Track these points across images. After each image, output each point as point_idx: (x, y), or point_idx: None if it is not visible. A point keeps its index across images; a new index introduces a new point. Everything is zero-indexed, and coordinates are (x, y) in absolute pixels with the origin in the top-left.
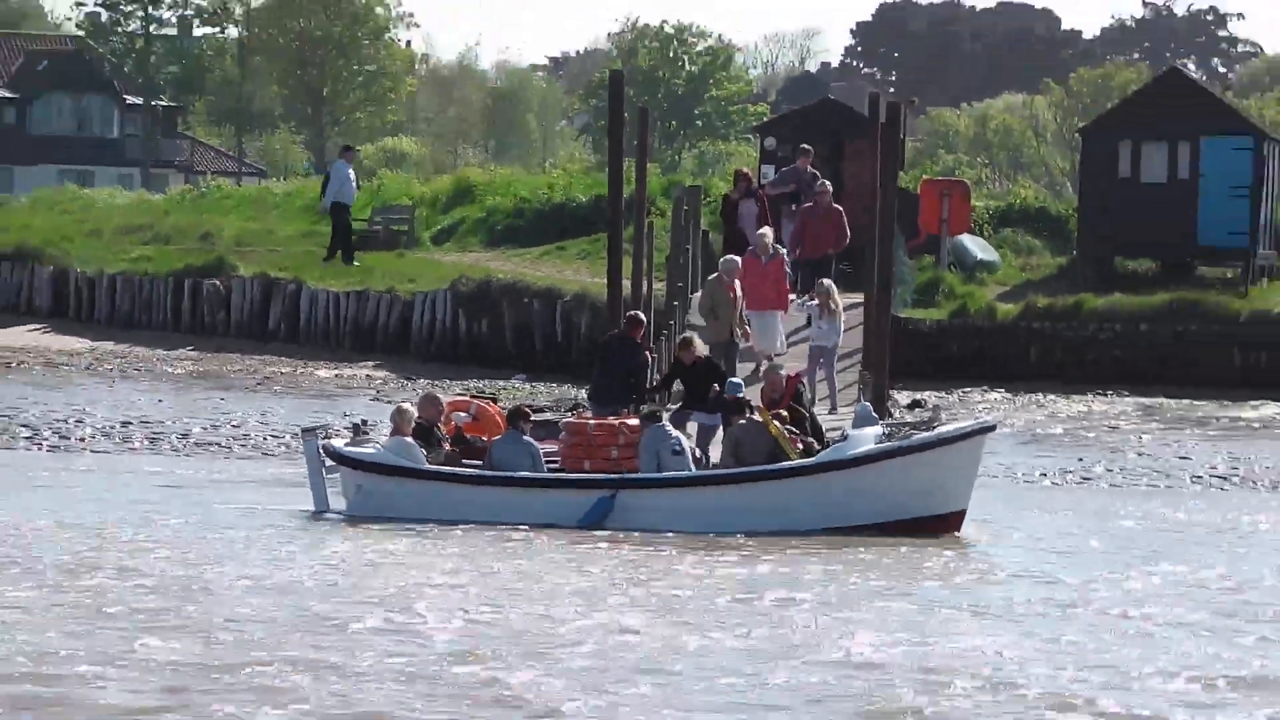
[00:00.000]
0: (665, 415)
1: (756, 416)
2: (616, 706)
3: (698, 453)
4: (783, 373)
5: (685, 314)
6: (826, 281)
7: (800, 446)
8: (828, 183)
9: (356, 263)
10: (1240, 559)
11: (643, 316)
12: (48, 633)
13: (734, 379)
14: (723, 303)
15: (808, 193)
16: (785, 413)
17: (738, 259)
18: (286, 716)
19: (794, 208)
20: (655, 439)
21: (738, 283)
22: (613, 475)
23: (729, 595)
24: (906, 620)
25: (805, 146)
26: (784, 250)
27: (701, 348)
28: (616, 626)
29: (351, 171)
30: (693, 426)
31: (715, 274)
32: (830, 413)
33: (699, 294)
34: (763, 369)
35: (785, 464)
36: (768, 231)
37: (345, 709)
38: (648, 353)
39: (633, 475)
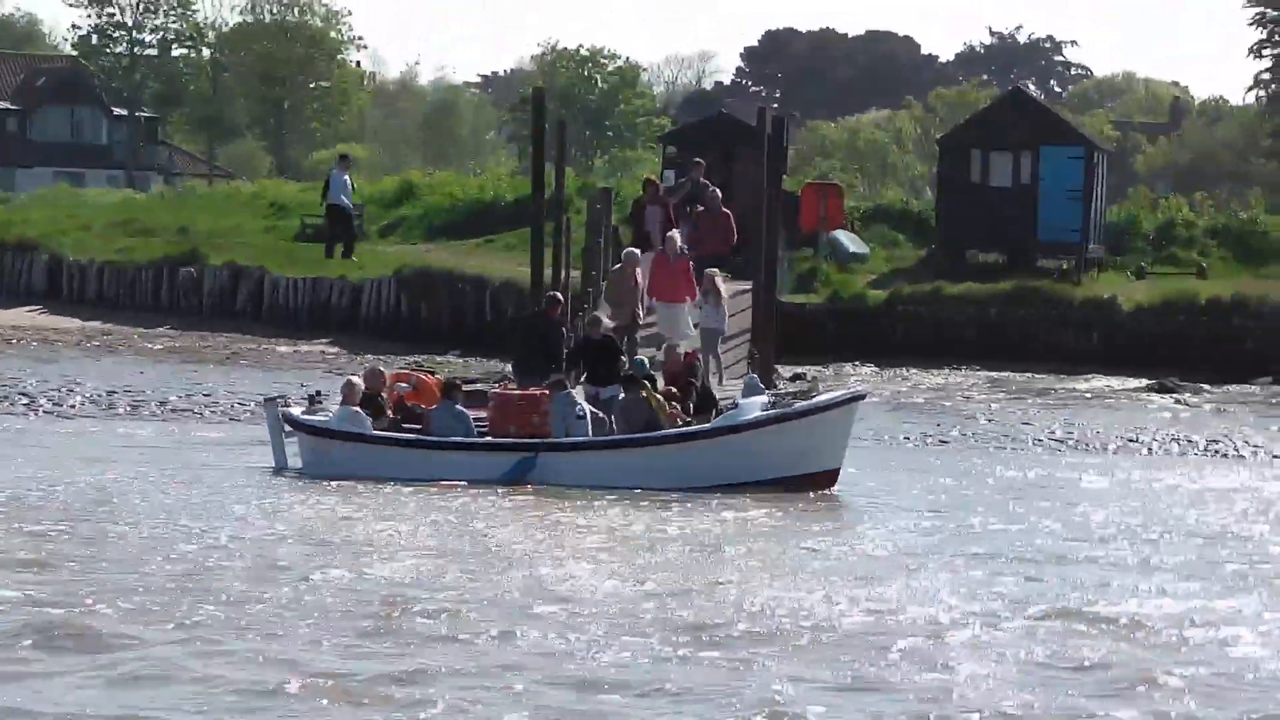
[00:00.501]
0: (570, 384)
1: (642, 393)
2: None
3: (600, 417)
4: (681, 350)
5: (598, 298)
6: (712, 270)
7: (679, 421)
8: (717, 190)
9: (355, 257)
10: (1050, 509)
11: (560, 297)
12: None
13: (639, 357)
14: (625, 290)
15: (701, 199)
16: (674, 389)
17: (638, 251)
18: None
19: (688, 210)
20: (561, 404)
21: (639, 272)
22: (534, 440)
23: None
24: (791, 562)
25: (698, 160)
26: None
27: (607, 326)
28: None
29: (347, 177)
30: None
31: (619, 265)
32: (719, 385)
33: (605, 282)
34: (664, 349)
35: (685, 429)
36: (676, 234)
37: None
38: (563, 329)
39: (552, 440)
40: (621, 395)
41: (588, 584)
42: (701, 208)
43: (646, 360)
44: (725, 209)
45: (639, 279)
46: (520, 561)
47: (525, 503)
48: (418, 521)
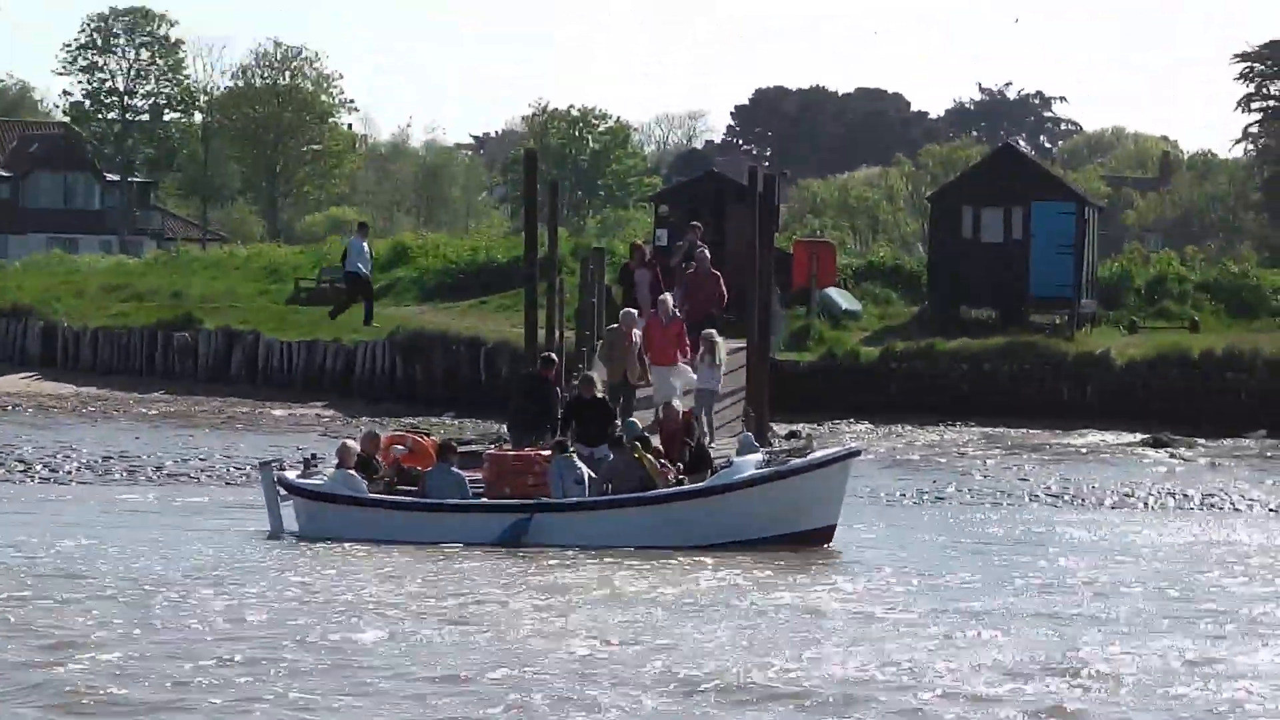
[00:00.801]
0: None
1: (634, 454)
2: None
3: (594, 477)
4: (677, 405)
5: (593, 357)
6: (710, 331)
7: (670, 477)
8: (706, 251)
9: (376, 324)
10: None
11: (554, 357)
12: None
13: (632, 419)
14: (619, 350)
15: (690, 259)
16: (661, 448)
17: (635, 311)
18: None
19: (684, 267)
20: (561, 468)
21: (636, 332)
22: (529, 501)
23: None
24: (789, 622)
25: (695, 224)
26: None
27: (600, 386)
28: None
29: (365, 244)
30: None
31: (615, 325)
32: (709, 444)
33: (601, 341)
34: (661, 409)
35: (680, 488)
36: (669, 297)
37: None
38: (558, 389)
39: (546, 500)
40: (611, 457)
41: (585, 645)
42: (691, 270)
43: (639, 423)
44: (714, 270)
45: (635, 338)
46: (523, 626)
47: (522, 565)
48: (410, 584)
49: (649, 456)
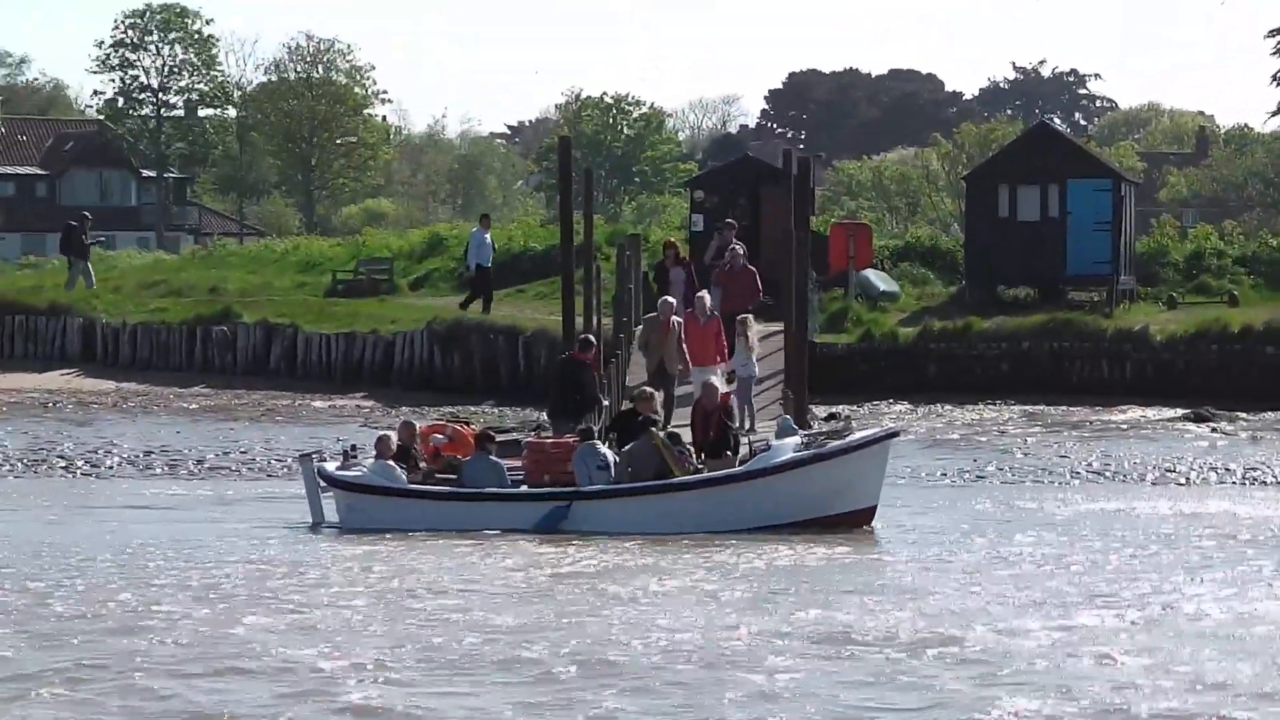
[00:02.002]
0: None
1: (652, 440)
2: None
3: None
4: (717, 383)
5: (630, 345)
6: (745, 316)
7: (687, 465)
8: (737, 248)
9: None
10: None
11: (592, 340)
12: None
13: (674, 432)
14: (657, 338)
15: (717, 260)
16: (693, 431)
17: (672, 300)
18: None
19: (720, 266)
20: (584, 455)
21: (673, 319)
22: (567, 489)
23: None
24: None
25: (729, 221)
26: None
27: (658, 409)
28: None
29: (488, 236)
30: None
31: (653, 314)
32: (749, 431)
33: (639, 329)
34: (701, 387)
35: (720, 473)
36: (705, 295)
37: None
38: (596, 373)
39: (587, 488)
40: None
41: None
42: (726, 265)
43: (680, 435)
44: (750, 266)
45: (673, 327)
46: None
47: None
48: (455, 570)
49: (666, 443)
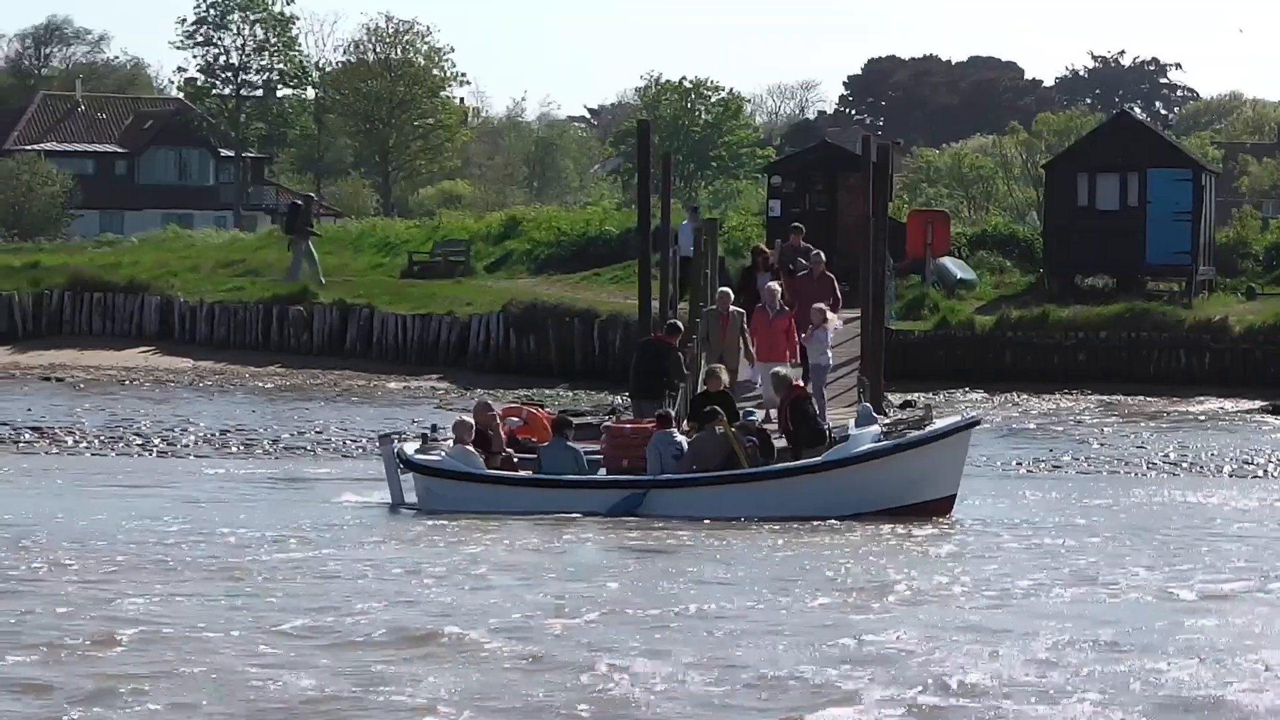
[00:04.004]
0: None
1: (719, 429)
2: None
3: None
4: (784, 371)
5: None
6: (819, 305)
7: (750, 454)
8: (820, 253)
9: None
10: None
11: (680, 325)
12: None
13: (751, 410)
14: (715, 331)
15: (798, 265)
16: (749, 423)
17: (729, 291)
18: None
19: (790, 269)
20: (659, 442)
21: (733, 310)
22: (643, 477)
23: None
24: (916, 593)
25: (797, 225)
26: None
27: (725, 380)
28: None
29: (688, 226)
30: None
31: (711, 307)
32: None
33: (699, 321)
34: (771, 377)
35: (798, 463)
36: (776, 287)
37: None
38: (680, 355)
39: (663, 476)
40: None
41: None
42: (803, 272)
43: (756, 413)
44: (828, 273)
45: (733, 319)
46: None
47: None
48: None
49: (735, 434)
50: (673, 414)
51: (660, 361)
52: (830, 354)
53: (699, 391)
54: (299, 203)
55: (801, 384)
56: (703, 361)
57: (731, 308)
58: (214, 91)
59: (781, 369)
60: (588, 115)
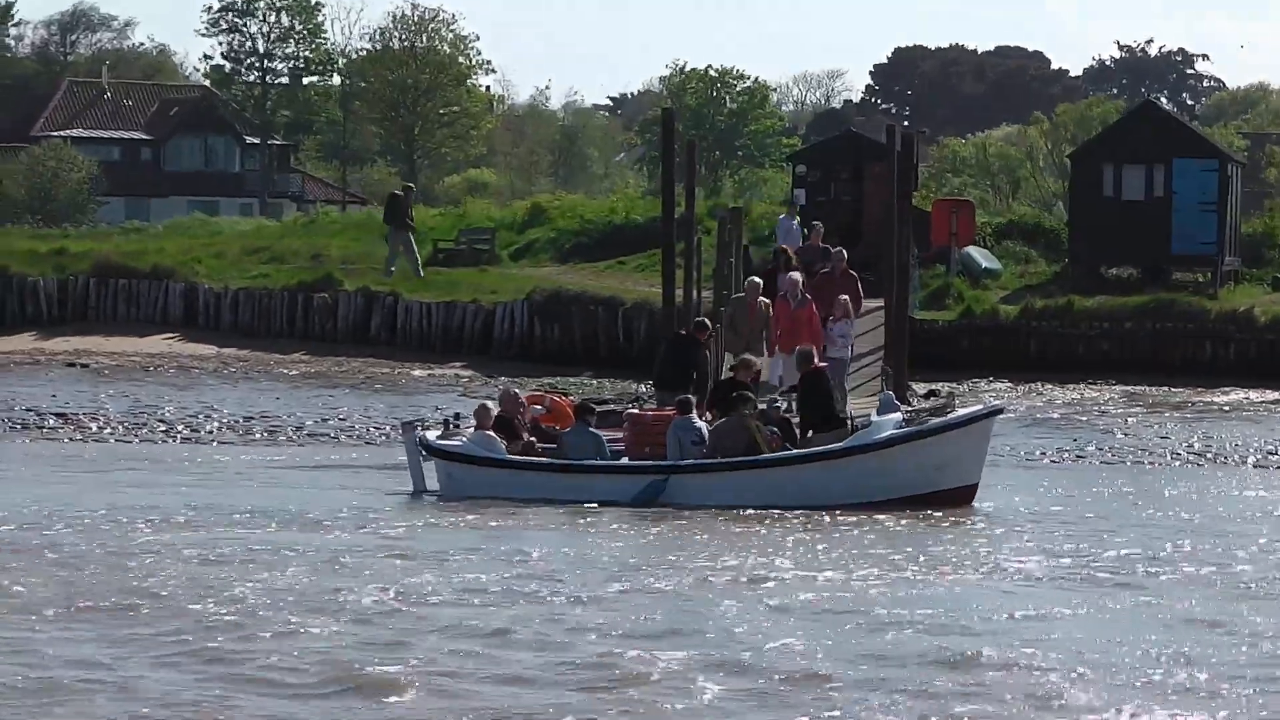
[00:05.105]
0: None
1: (749, 412)
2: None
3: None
4: (811, 350)
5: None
6: (843, 298)
7: (775, 446)
8: (843, 250)
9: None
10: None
11: (709, 324)
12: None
13: (776, 399)
14: (742, 319)
15: (820, 263)
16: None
17: (759, 280)
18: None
19: (811, 273)
20: (679, 429)
21: (760, 300)
22: (665, 463)
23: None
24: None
25: (816, 224)
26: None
27: (756, 372)
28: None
29: (795, 222)
30: None
31: (739, 294)
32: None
33: (725, 308)
34: (798, 355)
35: (820, 449)
36: (798, 277)
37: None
38: (707, 353)
39: (686, 462)
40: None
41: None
42: (825, 269)
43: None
44: (851, 270)
45: (760, 309)
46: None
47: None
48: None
49: (758, 424)
50: (693, 400)
51: (688, 355)
52: (850, 349)
53: (724, 377)
54: (398, 193)
55: (822, 365)
56: (726, 354)
57: (762, 300)
58: (240, 79)
59: (805, 346)
60: (611, 104)
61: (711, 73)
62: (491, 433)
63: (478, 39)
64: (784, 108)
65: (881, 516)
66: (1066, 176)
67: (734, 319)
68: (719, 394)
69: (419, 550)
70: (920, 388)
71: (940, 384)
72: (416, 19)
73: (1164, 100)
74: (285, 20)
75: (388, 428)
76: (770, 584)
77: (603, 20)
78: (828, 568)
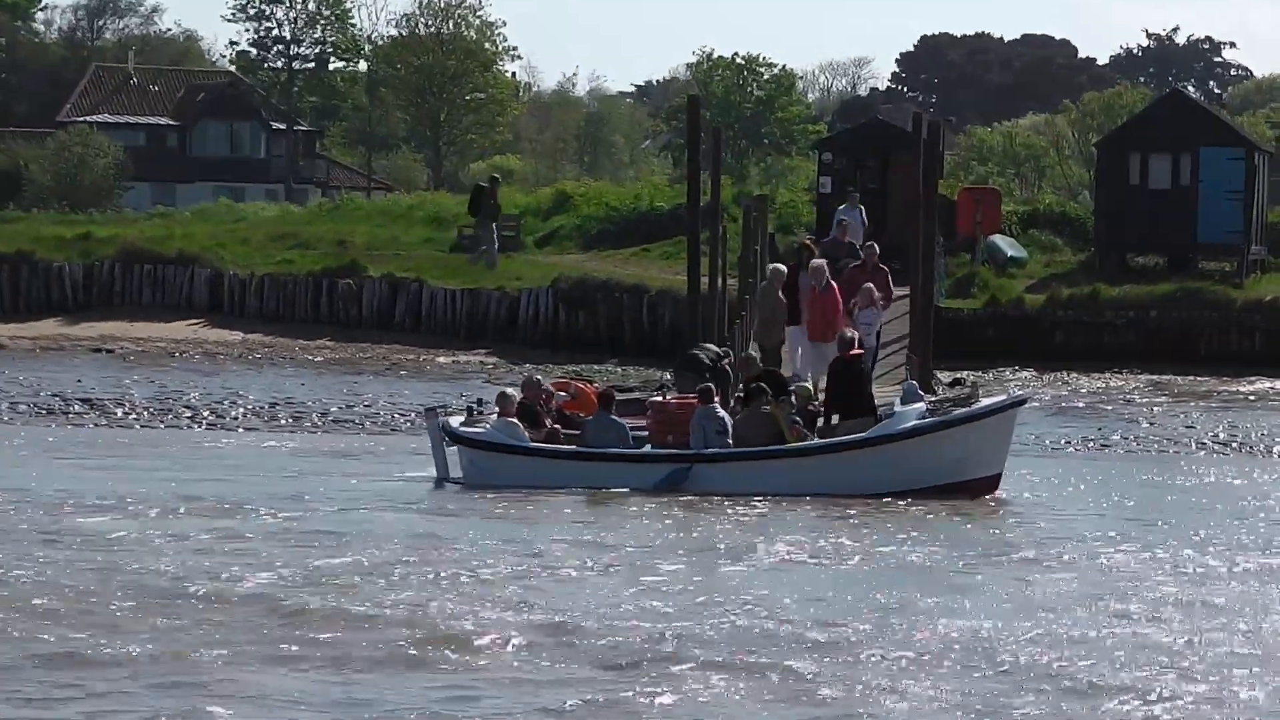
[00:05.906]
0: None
1: (767, 408)
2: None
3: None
4: (849, 333)
5: (754, 306)
6: (869, 286)
7: (800, 434)
8: (874, 245)
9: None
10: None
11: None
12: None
13: (804, 383)
14: (775, 308)
15: (847, 259)
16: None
17: (783, 267)
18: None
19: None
20: (702, 418)
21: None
22: (689, 452)
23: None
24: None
25: (843, 220)
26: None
27: (758, 368)
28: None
29: (859, 212)
30: None
31: (765, 281)
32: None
33: (749, 299)
34: (839, 340)
35: (844, 438)
36: (823, 264)
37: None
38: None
39: (709, 451)
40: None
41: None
42: (856, 263)
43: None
44: (882, 265)
45: (783, 297)
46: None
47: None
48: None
49: (780, 412)
50: (713, 388)
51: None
52: (877, 336)
53: (744, 385)
54: (484, 184)
55: (860, 350)
56: (753, 339)
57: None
58: (266, 65)
59: (848, 331)
60: (636, 91)
61: (738, 60)
62: (515, 419)
63: (504, 25)
64: (810, 95)
65: (905, 505)
66: (1093, 165)
67: (764, 308)
68: (748, 398)
69: (441, 535)
70: (946, 376)
71: (966, 373)
72: (443, 5)
73: (1191, 88)
74: (312, 5)
75: (413, 414)
76: (793, 569)
77: (629, 7)
78: (854, 554)
